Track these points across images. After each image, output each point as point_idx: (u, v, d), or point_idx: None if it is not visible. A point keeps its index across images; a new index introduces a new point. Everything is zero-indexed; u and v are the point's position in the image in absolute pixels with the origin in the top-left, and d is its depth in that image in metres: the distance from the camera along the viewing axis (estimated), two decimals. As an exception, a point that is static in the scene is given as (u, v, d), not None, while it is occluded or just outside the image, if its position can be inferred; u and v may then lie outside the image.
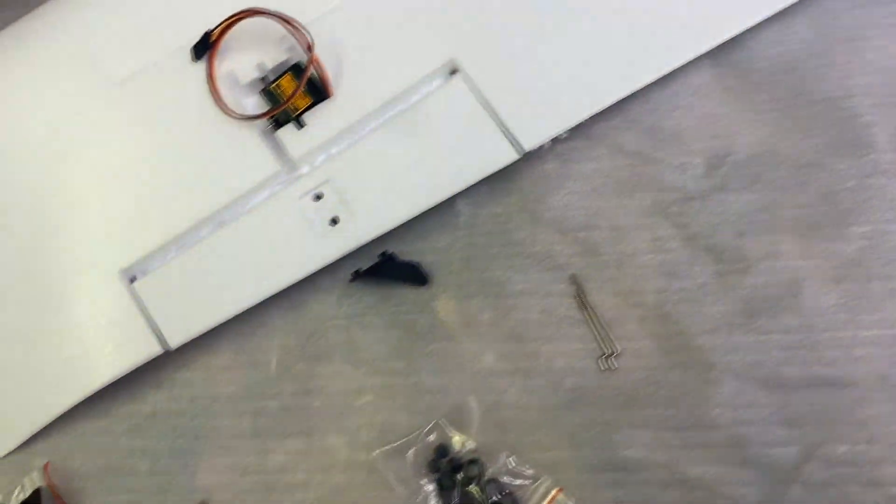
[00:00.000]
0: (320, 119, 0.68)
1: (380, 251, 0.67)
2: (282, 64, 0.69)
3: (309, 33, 0.67)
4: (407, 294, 0.67)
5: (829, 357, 0.61)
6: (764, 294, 0.63)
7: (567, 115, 0.67)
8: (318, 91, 0.68)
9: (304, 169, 0.68)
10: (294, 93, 0.67)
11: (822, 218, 0.64)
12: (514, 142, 0.66)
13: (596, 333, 0.64)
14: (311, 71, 0.67)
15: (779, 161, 0.66)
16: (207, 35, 0.70)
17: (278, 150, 0.68)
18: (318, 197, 0.67)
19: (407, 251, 0.68)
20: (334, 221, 0.66)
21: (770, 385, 0.61)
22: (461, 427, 0.62)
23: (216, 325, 0.65)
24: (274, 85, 0.69)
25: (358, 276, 0.66)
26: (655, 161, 0.68)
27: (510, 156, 0.66)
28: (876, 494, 0.58)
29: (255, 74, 0.69)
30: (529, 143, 0.66)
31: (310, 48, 0.67)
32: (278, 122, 0.68)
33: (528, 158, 0.68)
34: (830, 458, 0.59)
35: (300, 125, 0.68)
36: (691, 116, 0.69)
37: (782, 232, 0.64)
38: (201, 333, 0.65)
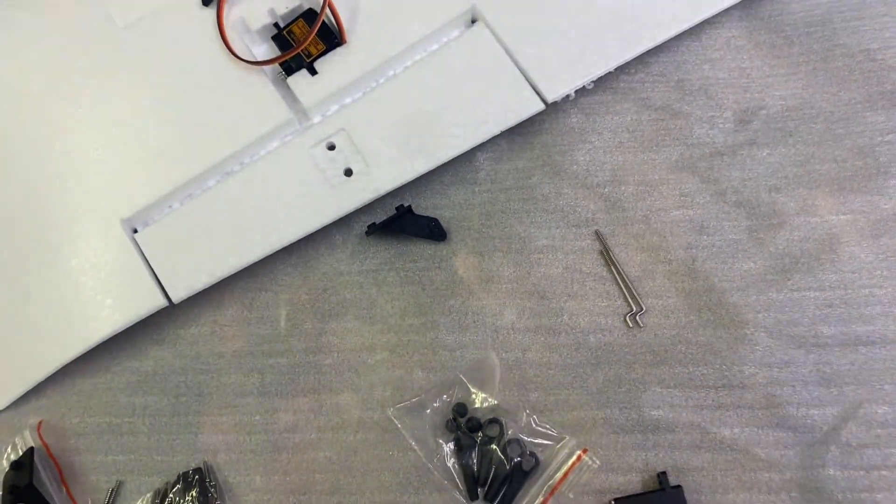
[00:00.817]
0: (334, 66, 0.65)
1: (396, 205, 0.64)
2: (294, 9, 0.66)
3: (323, -25, 0.64)
4: (424, 249, 0.64)
5: (868, 314, 0.58)
6: (799, 250, 0.60)
7: (592, 65, 0.64)
8: (332, 37, 0.65)
9: (317, 118, 0.65)
10: (307, 38, 0.64)
11: (859, 172, 0.61)
12: (537, 92, 0.63)
13: (622, 290, 0.61)
14: (325, 15, 0.64)
15: (813, 115, 0.63)
16: (217, -21, 0.67)
17: (290, 97, 0.65)
18: (332, 147, 0.64)
19: (424, 206, 0.65)
20: (348, 173, 0.63)
21: (806, 344, 0.58)
22: (481, 384, 0.59)
23: (222, 279, 0.62)
24: (286, 30, 0.65)
25: (373, 229, 0.63)
26: (683, 115, 0.65)
27: (535, 106, 0.63)
28: (920, 456, 0.55)
29: (267, 20, 0.66)
30: (553, 94, 0.63)
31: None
32: (290, 69, 0.65)
33: (551, 112, 0.66)
34: (870, 420, 0.56)
35: (313, 72, 0.64)
36: (721, 70, 0.66)
37: (817, 187, 0.62)
38: (206, 287, 0.62)
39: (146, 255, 0.63)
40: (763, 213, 0.61)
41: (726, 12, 0.66)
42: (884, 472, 0.55)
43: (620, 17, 0.65)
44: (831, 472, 0.55)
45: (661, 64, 0.67)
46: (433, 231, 0.63)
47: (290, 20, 0.66)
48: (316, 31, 0.64)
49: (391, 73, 0.66)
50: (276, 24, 0.67)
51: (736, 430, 0.57)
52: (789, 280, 0.59)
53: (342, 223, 0.64)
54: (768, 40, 0.66)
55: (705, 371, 0.58)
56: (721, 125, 0.64)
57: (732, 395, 0.57)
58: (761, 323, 0.59)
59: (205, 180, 0.64)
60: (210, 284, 0.62)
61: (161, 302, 0.61)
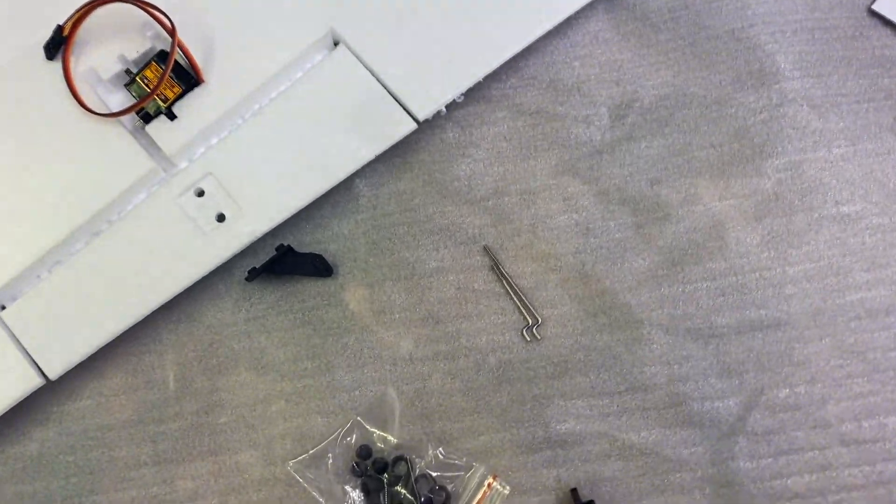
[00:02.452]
0: (193, 108, 0.61)
1: (275, 245, 0.61)
2: (146, 53, 0.63)
3: (168, 16, 0.61)
4: (311, 288, 0.61)
5: (760, 298, 0.58)
6: (686, 242, 0.60)
7: (460, 78, 0.62)
8: (188, 78, 0.62)
9: (182, 164, 0.62)
10: (160, 82, 0.60)
11: (737, 155, 0.61)
12: (408, 112, 0.61)
13: (517, 304, 0.59)
14: (176, 55, 0.61)
15: (686, 102, 0.63)
16: (59, 29, 0.63)
17: (151, 146, 0.61)
18: (200, 193, 0.61)
19: (306, 242, 0.62)
20: (221, 218, 0.60)
21: (703, 335, 0.58)
22: (383, 423, 0.57)
23: (100, 347, 0.59)
24: (139, 76, 0.62)
25: (255, 274, 0.60)
26: (558, 117, 0.64)
27: (407, 126, 0.61)
28: (824, 436, 0.55)
29: (118, 67, 0.62)
30: (424, 112, 0.61)
31: (172, 32, 0.60)
32: (148, 117, 0.62)
33: (426, 129, 0.64)
34: (773, 405, 0.56)
35: (172, 117, 0.61)
36: (592, 66, 0.65)
37: (698, 175, 0.61)
38: (85, 358, 0.59)
39: (15, 333, 0.59)
40: (647, 208, 0.61)
41: (591, 6, 0.65)
42: (792, 457, 0.55)
43: (483, 25, 0.63)
44: (741, 463, 0.55)
45: (531, 67, 0.65)
46: (318, 267, 0.61)
47: (142, 65, 0.63)
48: (168, 72, 0.60)
49: (256, 106, 0.63)
50: (127, 71, 0.63)
51: (643, 434, 0.56)
52: (680, 273, 0.59)
53: (223, 271, 0.61)
54: (635, 30, 0.65)
55: (606, 377, 0.57)
56: (597, 123, 0.63)
57: (636, 398, 0.57)
58: (656, 320, 0.58)
59: (71, 244, 0.61)
60: (89, 354, 0.58)
61: (37, 381, 0.57)
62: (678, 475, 0.55)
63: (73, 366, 0.58)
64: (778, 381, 0.56)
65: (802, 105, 0.61)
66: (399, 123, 0.61)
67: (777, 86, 0.62)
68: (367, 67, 0.62)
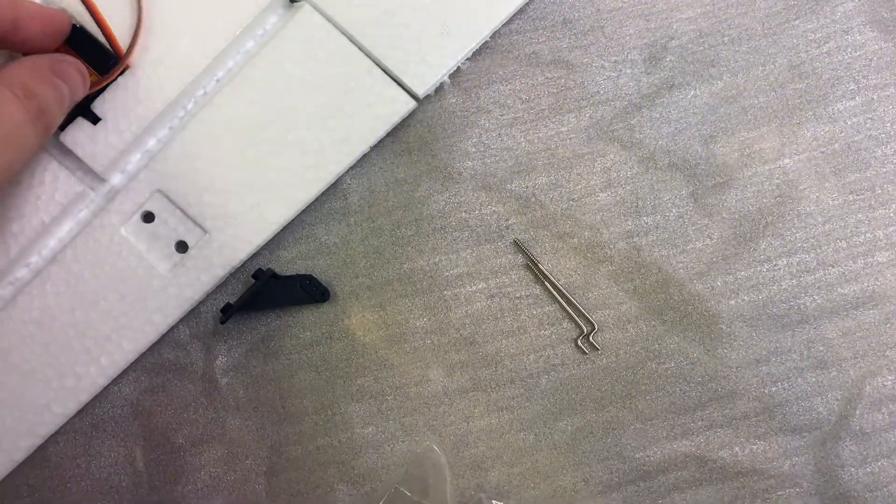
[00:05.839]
0: (120, 103, 0.46)
1: (251, 271, 0.48)
2: (43, 34, 0.47)
3: (69, -18, 0.45)
4: (305, 318, 0.49)
5: (851, 271, 0.49)
6: (755, 209, 0.49)
7: (463, 35, 0.49)
8: (106, 62, 0.47)
9: (116, 179, 0.48)
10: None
11: (802, 98, 0.51)
12: (402, 87, 0.48)
13: (565, 309, 0.49)
14: (91, 33, 0.46)
15: (733, 36, 0.52)
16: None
17: (72, 160, 0.47)
18: (149, 217, 0.47)
19: (290, 260, 0.49)
20: (182, 247, 0.47)
21: (790, 323, 0.48)
22: (425, 489, 0.46)
23: (41, 442, 0.45)
24: (37, 67, 0.47)
25: (230, 312, 0.47)
26: (581, 66, 0.51)
27: (404, 105, 0.48)
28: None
29: None
30: (424, 85, 0.48)
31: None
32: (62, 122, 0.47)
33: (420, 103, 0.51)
34: (879, 396, 0.47)
35: (94, 119, 0.46)
36: (612, -1, 0.53)
37: (757, 125, 0.50)
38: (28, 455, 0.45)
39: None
40: (704, 173, 0.50)
41: (603, -78, 0.52)
42: (908, 455, 0.47)
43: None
44: (852, 470, 0.47)
45: (537, 5, 0.52)
46: (310, 292, 0.48)
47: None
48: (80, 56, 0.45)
49: (200, 92, 0.49)
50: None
51: (736, 450, 0.47)
52: (753, 250, 0.49)
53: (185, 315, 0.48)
54: (660, -52, 0.53)
55: (686, 388, 0.48)
56: (629, 70, 0.51)
57: (723, 409, 0.47)
58: (735, 311, 0.48)
59: (-19, 303, 0.46)
60: (32, 449, 0.45)
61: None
62: (781, 492, 0.47)
63: (16, 465, 0.45)
64: (881, 366, 0.48)
65: (873, 29, 0.51)
66: (393, 101, 0.48)
67: (841, 7, 0.51)
68: (341, 30, 0.48)
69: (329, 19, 0.48)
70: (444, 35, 0.48)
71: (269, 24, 0.49)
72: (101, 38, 0.46)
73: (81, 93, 0.44)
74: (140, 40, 0.47)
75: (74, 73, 0.43)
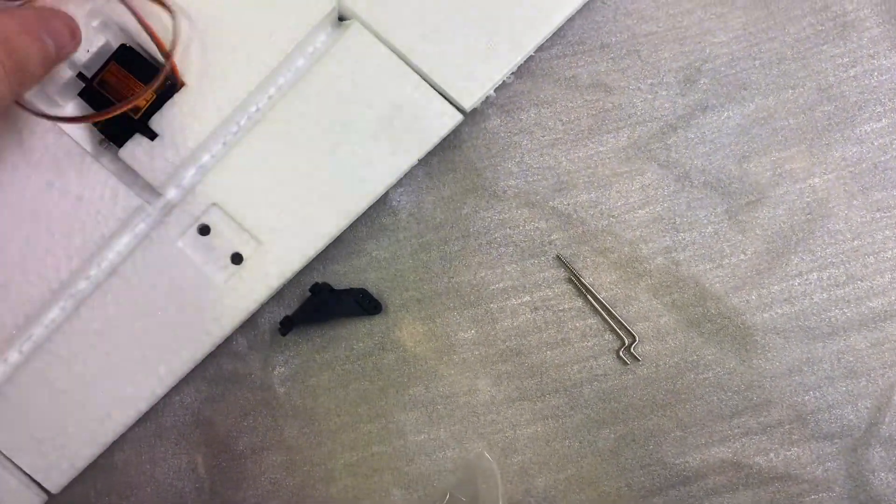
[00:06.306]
0: (177, 120, 0.48)
1: (305, 283, 0.50)
2: (101, 50, 0.48)
3: None
4: (358, 330, 0.50)
5: (879, 285, 0.51)
6: (788, 226, 0.52)
7: (508, 49, 0.50)
8: (162, 80, 0.48)
9: (172, 193, 0.49)
10: (145, 90, 0.46)
11: (831, 119, 0.53)
12: (449, 100, 0.50)
13: (606, 321, 0.51)
14: (146, 51, 0.47)
15: (765, 60, 0.54)
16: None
17: (131, 175, 0.48)
18: (205, 230, 0.48)
19: (342, 274, 0.51)
20: (237, 259, 0.48)
21: (822, 335, 0.50)
22: (476, 494, 0.47)
23: (103, 450, 0.47)
24: (97, 82, 0.47)
25: (289, 325, 0.48)
26: (619, 89, 0.53)
27: (451, 119, 0.49)
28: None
29: (67, 73, 0.48)
30: (470, 99, 0.50)
31: (138, 17, 0.46)
32: (117, 137, 0.48)
33: (466, 118, 0.52)
34: (906, 404, 0.50)
35: (151, 135, 0.48)
36: (647, 22, 0.54)
37: (788, 146, 0.53)
38: (90, 462, 0.46)
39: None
40: (738, 191, 0.52)
41: (638, -51, 0.55)
42: (935, 461, 0.49)
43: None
44: (883, 475, 0.49)
45: (576, 29, 0.54)
46: (363, 305, 0.50)
47: (98, 67, 0.48)
48: (166, 72, 0.46)
49: (253, 108, 0.50)
50: (80, 76, 0.48)
51: (771, 456, 0.49)
52: (786, 265, 0.51)
53: (243, 325, 0.49)
54: (692, -25, 0.55)
55: (723, 396, 0.50)
56: (664, 92, 0.54)
57: (758, 416, 0.50)
58: (769, 323, 0.50)
59: (44, 315, 0.47)
60: (94, 457, 0.46)
61: (38, 499, 0.45)
62: (814, 497, 0.49)
63: (78, 472, 0.46)
64: (907, 376, 0.50)
65: (897, 54, 0.54)
66: (441, 115, 0.50)
67: (867, 32, 0.54)
68: (389, 47, 0.50)
69: (377, 36, 0.49)
70: (490, 49, 0.50)
71: (319, 42, 0.51)
72: (152, 55, 0.47)
73: (70, 49, 0.43)
74: (187, 59, 0.48)
75: (63, 29, 0.42)
